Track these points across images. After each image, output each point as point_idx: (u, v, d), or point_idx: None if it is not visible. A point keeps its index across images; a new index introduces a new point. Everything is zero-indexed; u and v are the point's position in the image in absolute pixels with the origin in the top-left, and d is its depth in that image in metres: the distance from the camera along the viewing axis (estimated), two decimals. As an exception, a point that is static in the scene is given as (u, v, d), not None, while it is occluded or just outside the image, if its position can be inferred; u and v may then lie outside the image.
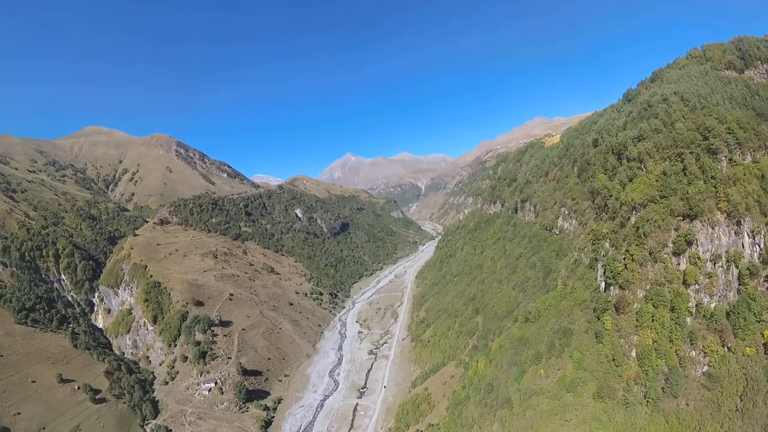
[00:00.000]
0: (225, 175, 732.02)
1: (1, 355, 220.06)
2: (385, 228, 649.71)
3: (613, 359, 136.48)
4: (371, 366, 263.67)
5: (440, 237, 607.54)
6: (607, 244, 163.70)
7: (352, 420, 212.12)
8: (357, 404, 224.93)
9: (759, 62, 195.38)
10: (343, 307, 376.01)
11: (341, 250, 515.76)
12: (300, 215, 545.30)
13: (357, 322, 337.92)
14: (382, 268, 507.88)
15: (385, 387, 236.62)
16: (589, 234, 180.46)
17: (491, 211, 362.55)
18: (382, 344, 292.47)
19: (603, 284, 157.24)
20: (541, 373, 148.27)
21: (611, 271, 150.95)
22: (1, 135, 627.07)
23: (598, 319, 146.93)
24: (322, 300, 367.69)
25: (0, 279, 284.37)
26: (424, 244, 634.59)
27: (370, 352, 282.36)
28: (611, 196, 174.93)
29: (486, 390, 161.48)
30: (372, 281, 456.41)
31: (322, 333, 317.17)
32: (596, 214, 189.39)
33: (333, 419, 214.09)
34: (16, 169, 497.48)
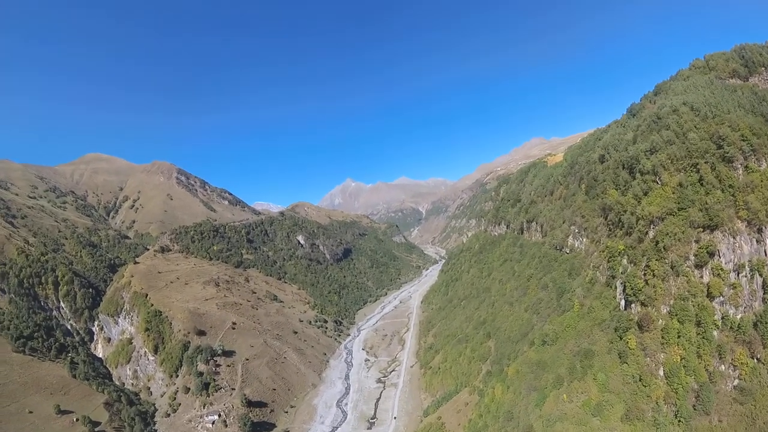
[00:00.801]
0: (226, 202, 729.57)
1: None
2: (388, 253, 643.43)
3: (640, 379, 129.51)
4: (380, 395, 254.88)
5: (444, 260, 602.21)
6: (624, 261, 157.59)
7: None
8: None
9: (763, 68, 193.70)
10: (349, 335, 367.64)
11: (344, 276, 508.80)
12: (302, 242, 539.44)
13: (363, 349, 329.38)
14: (386, 294, 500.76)
15: (395, 417, 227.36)
16: (603, 251, 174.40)
17: (496, 233, 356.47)
18: (390, 372, 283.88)
19: (623, 302, 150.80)
20: (563, 397, 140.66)
21: (631, 288, 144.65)
22: (1, 160, 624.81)
23: (621, 338, 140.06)
24: (326, 327, 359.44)
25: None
26: (427, 269, 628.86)
27: (378, 381, 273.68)
28: (625, 211, 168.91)
29: (505, 418, 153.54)
30: (377, 307, 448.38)
31: (328, 361, 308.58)
32: (609, 230, 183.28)
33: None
34: (17, 194, 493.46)
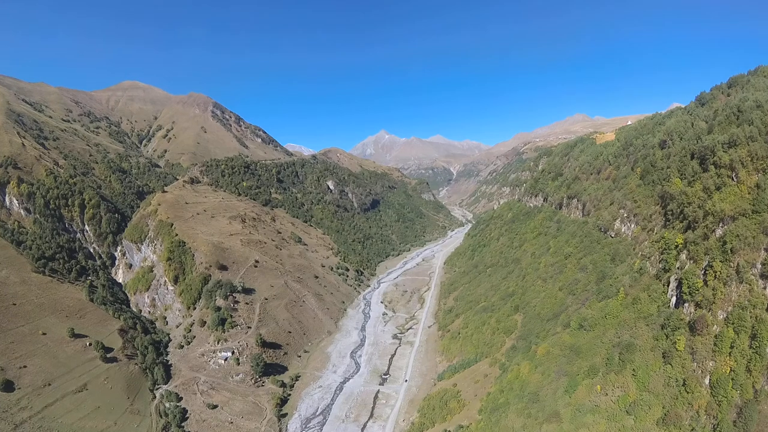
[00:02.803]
0: (259, 140, 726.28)
1: (14, 304, 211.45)
2: (415, 209, 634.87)
3: (684, 384, 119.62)
4: (395, 351, 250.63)
5: (471, 224, 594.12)
6: (683, 256, 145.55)
7: (373, 408, 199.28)
8: (378, 391, 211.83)
9: None
10: (368, 286, 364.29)
11: (370, 227, 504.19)
12: (331, 187, 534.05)
13: (382, 302, 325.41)
14: (409, 250, 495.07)
15: (407, 380, 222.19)
16: (657, 242, 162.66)
17: (531, 204, 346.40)
18: (407, 329, 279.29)
19: (674, 299, 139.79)
20: (597, 388, 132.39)
21: (688, 286, 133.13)
22: (37, 83, 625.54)
23: (667, 337, 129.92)
24: (347, 276, 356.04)
25: (22, 225, 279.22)
26: (453, 230, 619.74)
27: (395, 337, 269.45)
28: (690, 203, 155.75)
29: (530, 399, 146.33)
30: (399, 262, 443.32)
31: (346, 310, 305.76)
32: (666, 220, 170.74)
33: (352, 405, 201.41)
34: (50, 117, 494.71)
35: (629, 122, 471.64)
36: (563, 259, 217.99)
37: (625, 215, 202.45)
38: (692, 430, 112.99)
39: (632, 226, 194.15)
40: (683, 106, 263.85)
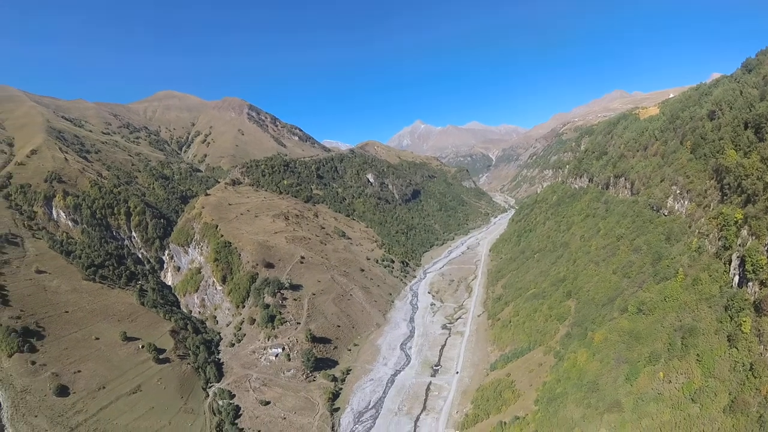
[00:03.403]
0: (296, 138, 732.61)
1: (66, 312, 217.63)
2: (457, 197, 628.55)
3: (751, 368, 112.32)
4: (445, 342, 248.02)
5: (514, 210, 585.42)
6: (744, 232, 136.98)
7: (425, 400, 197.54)
8: (430, 383, 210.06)
9: None
10: (414, 277, 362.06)
11: (412, 218, 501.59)
12: (372, 180, 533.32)
13: (429, 293, 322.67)
14: (453, 239, 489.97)
15: (458, 372, 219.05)
16: (716, 218, 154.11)
17: (576, 186, 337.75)
18: (456, 319, 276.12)
19: (737, 278, 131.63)
20: (660, 375, 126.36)
21: (751, 264, 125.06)
22: (75, 100, 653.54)
23: (732, 319, 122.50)
24: (393, 268, 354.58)
25: (70, 236, 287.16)
26: (496, 216, 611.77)
27: (444, 327, 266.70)
28: (748, 175, 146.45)
29: (589, 388, 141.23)
30: (443, 251, 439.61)
31: (393, 302, 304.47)
32: (723, 195, 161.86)
33: (405, 397, 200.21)
34: (91, 131, 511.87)
35: (671, 95, 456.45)
36: (615, 240, 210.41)
37: (678, 192, 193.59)
38: (760, 417, 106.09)
39: (686, 203, 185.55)
40: (726, 75, 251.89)
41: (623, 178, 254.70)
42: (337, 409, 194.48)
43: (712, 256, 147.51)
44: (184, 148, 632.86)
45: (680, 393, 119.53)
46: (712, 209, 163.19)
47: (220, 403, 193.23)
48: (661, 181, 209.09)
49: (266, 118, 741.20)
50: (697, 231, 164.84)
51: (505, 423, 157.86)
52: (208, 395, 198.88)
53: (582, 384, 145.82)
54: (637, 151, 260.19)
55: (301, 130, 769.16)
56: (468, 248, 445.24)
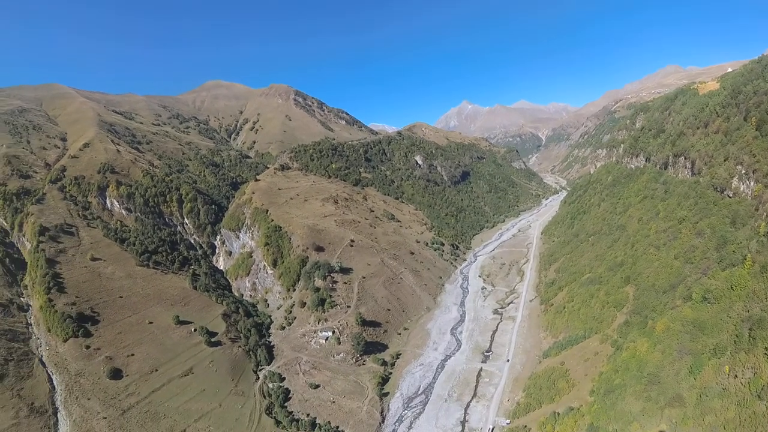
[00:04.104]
0: (343, 122, 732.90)
1: (121, 297, 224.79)
2: (506, 179, 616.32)
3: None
4: (496, 327, 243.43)
5: (566, 191, 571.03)
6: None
7: (476, 387, 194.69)
8: (481, 369, 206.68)
9: None
10: (465, 260, 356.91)
11: (462, 200, 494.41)
12: (420, 162, 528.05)
13: (480, 276, 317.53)
14: (503, 221, 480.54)
15: (511, 355, 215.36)
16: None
17: (632, 166, 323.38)
18: (508, 304, 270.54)
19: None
20: (725, 369, 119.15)
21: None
22: (125, 94, 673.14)
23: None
24: (443, 251, 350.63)
25: (124, 224, 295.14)
26: (547, 198, 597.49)
27: (495, 312, 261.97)
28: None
29: (649, 380, 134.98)
30: (494, 234, 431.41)
31: (443, 286, 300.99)
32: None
33: (455, 383, 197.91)
34: (141, 123, 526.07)
35: (729, 69, 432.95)
36: (677, 223, 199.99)
37: (743, 172, 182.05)
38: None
39: (752, 183, 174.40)
40: None
41: (683, 157, 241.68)
42: (386, 394, 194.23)
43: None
44: (233, 136, 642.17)
45: (746, 389, 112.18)
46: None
47: (270, 386, 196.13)
48: (724, 161, 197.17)
49: (312, 103, 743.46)
50: (765, 214, 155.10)
51: (558, 414, 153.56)
52: (259, 378, 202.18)
53: (642, 376, 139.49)
54: (697, 128, 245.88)
55: (347, 114, 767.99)
56: (519, 231, 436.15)
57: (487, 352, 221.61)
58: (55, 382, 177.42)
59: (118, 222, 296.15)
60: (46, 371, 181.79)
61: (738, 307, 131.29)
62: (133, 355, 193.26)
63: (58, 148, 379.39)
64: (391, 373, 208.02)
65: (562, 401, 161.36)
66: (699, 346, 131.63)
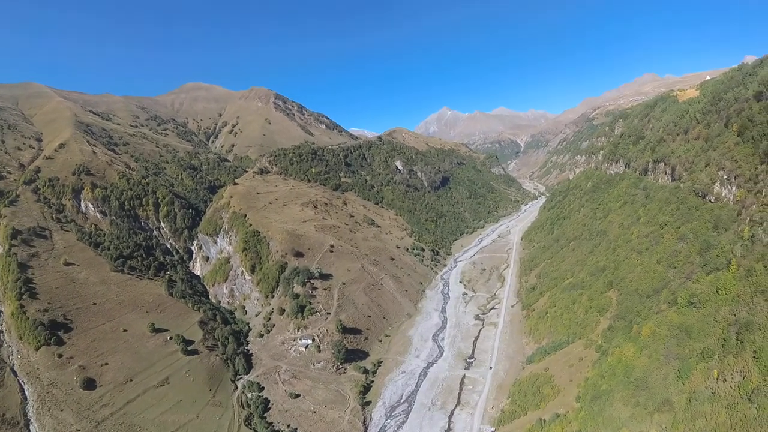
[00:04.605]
0: (323, 126, 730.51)
1: (95, 303, 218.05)
2: (486, 184, 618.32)
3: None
4: (478, 333, 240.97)
5: (545, 197, 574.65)
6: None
7: (459, 394, 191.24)
8: (464, 376, 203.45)
9: None
10: (445, 265, 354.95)
11: (441, 205, 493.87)
12: (400, 167, 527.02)
13: (461, 282, 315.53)
14: (483, 226, 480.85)
15: (494, 362, 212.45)
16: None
17: (612, 172, 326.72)
18: (490, 309, 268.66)
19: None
20: (714, 373, 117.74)
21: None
22: (103, 94, 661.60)
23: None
24: (423, 256, 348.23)
25: (99, 228, 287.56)
26: (526, 204, 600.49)
27: (477, 318, 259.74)
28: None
29: (637, 385, 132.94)
30: (474, 239, 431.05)
31: (424, 292, 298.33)
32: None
33: (438, 391, 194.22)
34: (119, 124, 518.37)
35: (708, 77, 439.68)
36: (658, 228, 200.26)
37: (725, 177, 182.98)
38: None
39: (733, 188, 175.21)
40: (759, 57, 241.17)
41: (663, 163, 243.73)
42: (368, 403, 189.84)
43: (766, 245, 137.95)
44: (211, 139, 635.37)
45: (736, 392, 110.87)
46: (765, 195, 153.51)
47: (249, 395, 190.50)
48: (705, 166, 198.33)
49: (293, 107, 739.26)
50: (748, 219, 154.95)
51: (544, 420, 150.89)
52: (237, 387, 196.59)
53: (629, 381, 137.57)
54: (677, 134, 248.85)
55: (328, 119, 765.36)
56: (499, 236, 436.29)
57: (469, 358, 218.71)
58: (27, 393, 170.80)
59: (93, 225, 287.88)
60: (18, 381, 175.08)
61: (724, 311, 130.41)
62: (107, 364, 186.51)
63: (33, 148, 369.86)
64: (372, 382, 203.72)
65: (548, 408, 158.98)
66: (686, 351, 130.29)
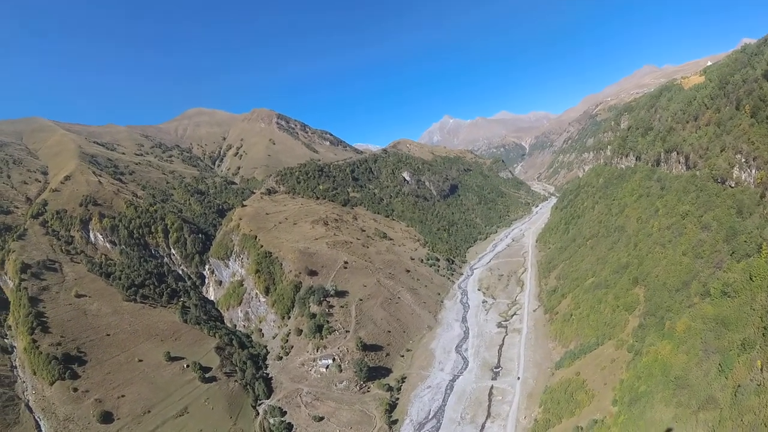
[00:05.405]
0: (327, 143, 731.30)
1: (108, 335, 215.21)
2: (495, 189, 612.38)
3: None
4: (502, 341, 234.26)
5: (556, 197, 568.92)
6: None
7: (489, 406, 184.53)
8: (492, 387, 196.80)
9: None
10: (461, 274, 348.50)
11: (452, 213, 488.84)
12: (408, 178, 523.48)
13: (479, 290, 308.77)
14: (496, 231, 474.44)
15: (522, 370, 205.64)
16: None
17: (623, 166, 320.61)
18: (511, 316, 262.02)
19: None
20: (757, 364, 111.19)
21: None
22: (106, 125, 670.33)
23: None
24: (438, 266, 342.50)
25: (109, 258, 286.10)
26: (537, 206, 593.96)
27: (499, 325, 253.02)
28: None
29: (677, 384, 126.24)
30: (488, 245, 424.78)
31: (443, 302, 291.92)
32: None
33: (466, 405, 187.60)
34: (123, 153, 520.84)
35: (709, 62, 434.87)
36: (680, 219, 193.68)
37: (743, 160, 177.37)
38: None
39: (753, 171, 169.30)
40: (757, 39, 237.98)
41: (675, 153, 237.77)
42: (395, 422, 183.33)
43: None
44: (217, 163, 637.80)
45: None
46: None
47: (271, 421, 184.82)
48: (721, 151, 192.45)
49: (296, 125, 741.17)
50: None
51: (581, 428, 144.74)
52: (258, 413, 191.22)
53: (668, 380, 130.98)
54: (687, 122, 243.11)
55: (331, 135, 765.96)
56: (513, 240, 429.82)
57: (496, 368, 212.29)
58: (43, 429, 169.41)
59: (103, 256, 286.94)
60: (34, 417, 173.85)
61: (761, 298, 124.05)
62: (123, 396, 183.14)
63: (39, 182, 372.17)
64: (398, 399, 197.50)
65: (584, 414, 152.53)
66: (725, 343, 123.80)
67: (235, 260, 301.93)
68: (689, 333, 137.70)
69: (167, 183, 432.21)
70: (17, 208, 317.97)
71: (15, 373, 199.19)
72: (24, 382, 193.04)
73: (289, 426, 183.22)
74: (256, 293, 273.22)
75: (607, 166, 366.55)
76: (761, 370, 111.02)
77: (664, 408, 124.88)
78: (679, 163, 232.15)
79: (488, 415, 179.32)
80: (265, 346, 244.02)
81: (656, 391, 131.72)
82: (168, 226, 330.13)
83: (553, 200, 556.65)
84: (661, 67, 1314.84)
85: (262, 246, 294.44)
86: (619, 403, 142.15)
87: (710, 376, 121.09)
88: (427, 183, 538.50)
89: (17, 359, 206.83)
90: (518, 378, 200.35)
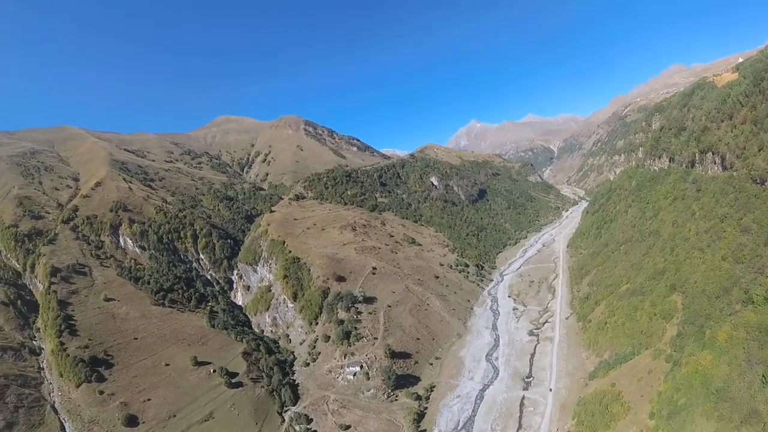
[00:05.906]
0: (355, 148, 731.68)
1: (135, 338, 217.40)
2: (524, 193, 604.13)
3: None
4: (534, 350, 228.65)
5: (586, 201, 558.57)
6: None
7: (520, 418, 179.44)
8: (523, 397, 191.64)
9: None
10: (491, 280, 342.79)
11: (481, 218, 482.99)
12: (435, 183, 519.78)
13: (509, 296, 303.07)
14: (526, 237, 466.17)
15: (554, 380, 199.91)
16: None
17: (656, 167, 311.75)
18: (543, 323, 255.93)
19: None
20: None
21: None
22: (137, 133, 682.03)
23: None
24: (467, 272, 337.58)
25: (138, 262, 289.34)
26: (567, 210, 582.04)
27: (530, 333, 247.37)
28: None
29: (719, 397, 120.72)
30: (518, 251, 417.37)
31: (472, 309, 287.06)
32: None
33: (497, 415, 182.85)
34: (153, 161, 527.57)
35: (740, 59, 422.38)
36: (718, 222, 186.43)
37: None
38: None
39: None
40: None
41: (711, 153, 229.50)
42: (423, 431, 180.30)
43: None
44: (245, 169, 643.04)
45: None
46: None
47: (297, 428, 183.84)
48: (759, 150, 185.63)
49: (323, 131, 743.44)
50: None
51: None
52: (284, 420, 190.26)
53: (709, 392, 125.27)
54: (722, 121, 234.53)
55: (359, 141, 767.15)
56: (543, 245, 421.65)
57: (527, 377, 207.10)
58: (67, 430, 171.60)
59: (132, 260, 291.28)
60: (59, 418, 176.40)
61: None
62: (149, 400, 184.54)
63: (71, 188, 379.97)
64: (426, 408, 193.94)
65: (619, 427, 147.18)
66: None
67: (264, 265, 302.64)
68: (731, 342, 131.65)
69: (196, 189, 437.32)
70: (48, 213, 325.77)
71: (42, 374, 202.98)
72: (50, 383, 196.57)
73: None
74: (284, 299, 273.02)
75: (639, 168, 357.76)
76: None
77: (705, 422, 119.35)
78: (715, 163, 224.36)
79: (519, 427, 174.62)
80: (293, 352, 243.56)
81: (696, 404, 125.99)
82: (197, 232, 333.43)
83: (584, 204, 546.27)
84: (690, 66, 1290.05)
85: (290, 251, 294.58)
86: (657, 417, 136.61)
87: (754, 388, 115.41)
88: (455, 188, 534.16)
89: (45, 361, 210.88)
90: (550, 389, 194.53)
